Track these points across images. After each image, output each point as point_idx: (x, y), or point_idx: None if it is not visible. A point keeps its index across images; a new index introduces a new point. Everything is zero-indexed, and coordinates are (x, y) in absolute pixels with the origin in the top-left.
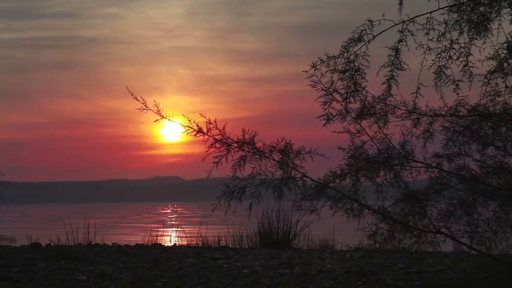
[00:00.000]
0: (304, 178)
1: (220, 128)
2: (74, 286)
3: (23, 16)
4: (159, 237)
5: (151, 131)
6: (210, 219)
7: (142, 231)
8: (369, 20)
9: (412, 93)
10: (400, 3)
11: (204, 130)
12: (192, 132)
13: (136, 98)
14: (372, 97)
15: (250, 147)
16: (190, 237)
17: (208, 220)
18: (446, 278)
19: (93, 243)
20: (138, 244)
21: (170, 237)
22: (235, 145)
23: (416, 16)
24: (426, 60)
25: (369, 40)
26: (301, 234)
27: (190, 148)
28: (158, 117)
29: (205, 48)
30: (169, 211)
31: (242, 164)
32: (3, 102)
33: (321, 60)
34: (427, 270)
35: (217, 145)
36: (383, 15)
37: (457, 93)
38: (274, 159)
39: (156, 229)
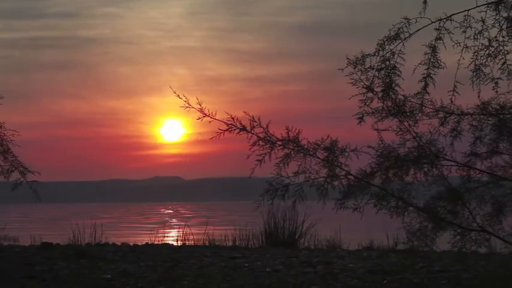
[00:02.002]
0: (348, 176)
1: (264, 126)
2: (100, 284)
3: (22, 16)
4: (165, 237)
5: (151, 131)
6: (214, 220)
7: (146, 230)
8: (405, 18)
9: (448, 91)
10: (425, 2)
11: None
12: (235, 130)
13: (179, 96)
14: (403, 95)
15: (294, 145)
16: (198, 237)
17: (211, 220)
18: (470, 277)
19: (102, 242)
20: (147, 243)
21: (177, 237)
22: (280, 143)
23: (453, 14)
24: (463, 59)
25: (405, 38)
26: (307, 233)
27: (190, 148)
28: (200, 115)
29: (205, 48)
30: (171, 211)
31: (286, 161)
32: (3, 102)
33: (351, 60)
34: (450, 270)
35: (261, 143)
36: (420, 13)
37: (496, 91)
38: (318, 157)
39: (160, 229)
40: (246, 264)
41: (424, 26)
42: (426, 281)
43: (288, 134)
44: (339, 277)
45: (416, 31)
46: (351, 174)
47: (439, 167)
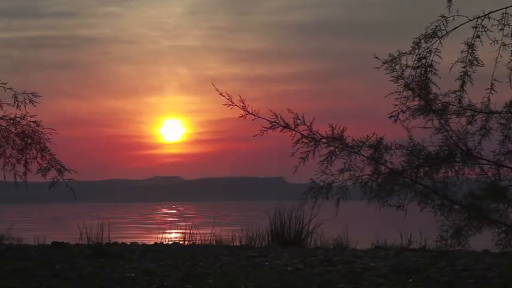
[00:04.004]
0: (393, 174)
1: (308, 124)
2: (126, 283)
3: (22, 15)
4: (173, 237)
5: (151, 131)
6: (217, 220)
7: (151, 230)
8: (442, 16)
9: (486, 89)
10: (449, 0)
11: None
12: (278, 127)
13: (221, 93)
14: (435, 94)
15: (339, 142)
16: (205, 237)
17: (212, 220)
18: (495, 276)
19: (111, 242)
20: (156, 243)
21: (185, 237)
22: (324, 141)
23: (491, 12)
24: (501, 56)
25: (442, 36)
26: (313, 233)
27: (190, 148)
28: (243, 112)
29: (205, 47)
30: (173, 211)
31: (330, 159)
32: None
33: (386, 59)
34: (473, 268)
35: (305, 140)
36: (457, 11)
37: None
38: (363, 155)
39: (166, 229)
40: (266, 263)
41: (461, 24)
42: (453, 280)
43: (333, 131)
44: (363, 276)
45: (453, 29)
46: (395, 172)
47: (471, 165)
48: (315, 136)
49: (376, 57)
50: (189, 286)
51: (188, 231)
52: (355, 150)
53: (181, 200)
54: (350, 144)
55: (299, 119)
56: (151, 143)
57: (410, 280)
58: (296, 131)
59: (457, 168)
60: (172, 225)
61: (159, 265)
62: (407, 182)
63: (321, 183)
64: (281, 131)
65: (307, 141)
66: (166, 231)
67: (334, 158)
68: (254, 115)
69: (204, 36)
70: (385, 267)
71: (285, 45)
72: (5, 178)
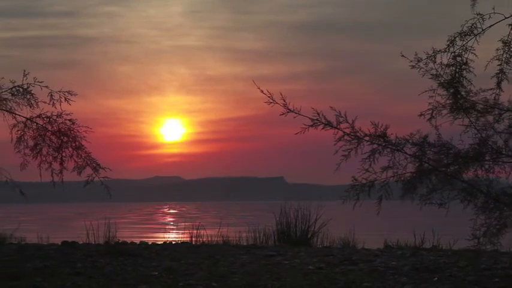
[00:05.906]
0: (437, 172)
1: (350, 122)
2: (151, 281)
3: (22, 15)
4: (181, 236)
5: (152, 131)
6: (221, 220)
7: (152, 230)
8: (478, 14)
9: None
10: None
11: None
12: (319, 125)
13: (262, 91)
14: (467, 92)
15: (382, 140)
16: (212, 236)
17: (216, 220)
18: None
19: (120, 241)
20: (165, 242)
21: (191, 236)
22: (367, 138)
23: None
24: None
25: (478, 33)
26: (319, 233)
27: (190, 148)
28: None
29: (205, 47)
30: (175, 211)
31: (373, 157)
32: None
33: (420, 57)
34: (495, 267)
35: (347, 138)
36: (493, 8)
37: None
38: (406, 153)
39: (171, 228)
40: (286, 262)
41: (497, 22)
42: (478, 278)
43: (376, 129)
44: (385, 275)
45: (489, 27)
46: (439, 170)
47: (501, 164)
48: (358, 134)
49: (402, 56)
50: (215, 284)
51: (195, 231)
52: (399, 147)
53: (181, 200)
54: (393, 141)
55: (341, 117)
56: (151, 143)
57: (435, 279)
58: (338, 129)
59: (487, 166)
60: (175, 225)
61: (179, 264)
62: (451, 179)
63: (364, 181)
64: (322, 128)
65: (350, 138)
66: (171, 230)
67: (377, 155)
68: (296, 113)
69: (204, 36)
70: (406, 266)
71: (286, 45)
72: (41, 177)
